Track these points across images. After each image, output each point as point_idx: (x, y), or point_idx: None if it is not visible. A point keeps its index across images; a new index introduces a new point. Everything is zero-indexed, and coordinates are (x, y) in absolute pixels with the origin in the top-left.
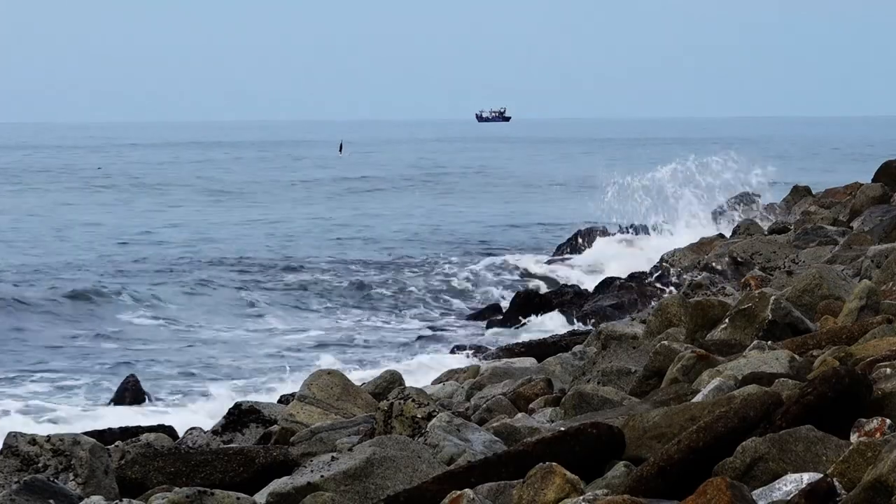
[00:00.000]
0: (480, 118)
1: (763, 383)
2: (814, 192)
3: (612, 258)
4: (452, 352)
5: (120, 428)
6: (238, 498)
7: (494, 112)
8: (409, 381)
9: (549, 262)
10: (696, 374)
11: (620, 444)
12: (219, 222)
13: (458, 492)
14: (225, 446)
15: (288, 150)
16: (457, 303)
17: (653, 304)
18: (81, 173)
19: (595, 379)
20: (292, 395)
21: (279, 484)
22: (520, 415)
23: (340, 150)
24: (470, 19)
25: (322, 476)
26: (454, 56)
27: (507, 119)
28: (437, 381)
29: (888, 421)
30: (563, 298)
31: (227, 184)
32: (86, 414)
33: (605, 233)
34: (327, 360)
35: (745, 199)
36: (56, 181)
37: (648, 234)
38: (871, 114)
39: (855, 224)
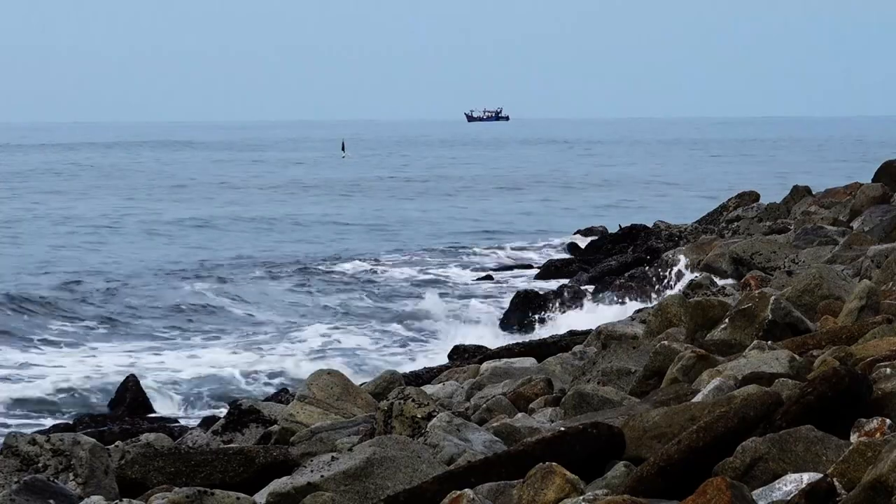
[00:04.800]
0: (471, 118)
1: (763, 383)
2: (813, 192)
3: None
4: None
5: (120, 428)
6: (238, 498)
7: (489, 112)
8: None
9: (548, 262)
10: (696, 374)
11: (620, 444)
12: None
13: (458, 492)
14: (225, 446)
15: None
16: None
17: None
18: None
19: (595, 379)
20: (292, 395)
21: (279, 484)
22: (520, 415)
23: (343, 149)
24: (470, 19)
25: (322, 476)
26: (454, 56)
27: (505, 119)
28: (438, 380)
29: (888, 421)
30: (563, 298)
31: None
32: None
33: (603, 233)
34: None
35: (745, 197)
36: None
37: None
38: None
39: (855, 224)
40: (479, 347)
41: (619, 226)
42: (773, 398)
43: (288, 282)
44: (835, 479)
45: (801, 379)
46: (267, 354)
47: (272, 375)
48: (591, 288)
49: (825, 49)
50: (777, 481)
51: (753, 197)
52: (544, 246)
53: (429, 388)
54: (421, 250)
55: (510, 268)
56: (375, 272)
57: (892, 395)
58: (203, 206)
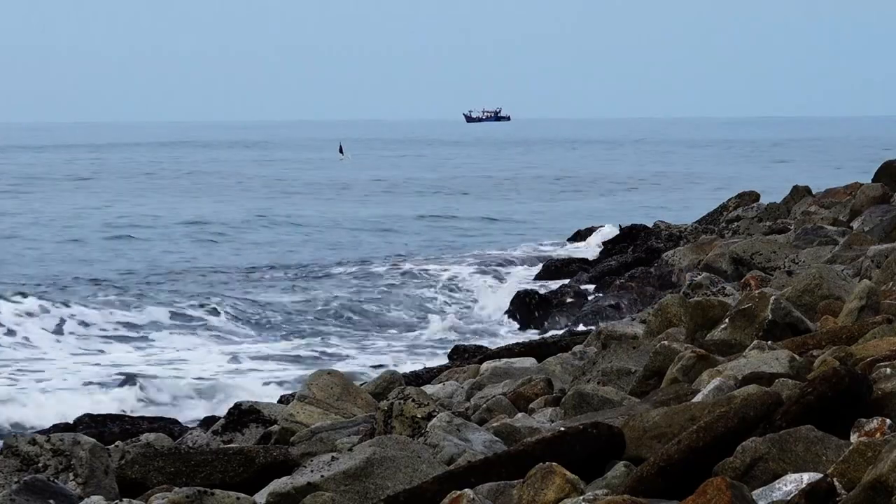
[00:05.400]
0: (470, 119)
1: (763, 383)
2: (814, 192)
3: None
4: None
5: (120, 428)
6: (238, 498)
7: (489, 112)
8: None
9: (547, 262)
10: (696, 374)
11: (620, 444)
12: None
13: (458, 492)
14: (225, 446)
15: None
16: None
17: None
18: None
19: (595, 379)
20: (292, 395)
21: (279, 484)
22: (520, 415)
23: (341, 151)
24: (470, 19)
25: (322, 476)
26: (454, 56)
27: (506, 119)
28: (438, 380)
29: (888, 421)
30: (563, 299)
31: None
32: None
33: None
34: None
35: (745, 197)
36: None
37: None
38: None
39: (855, 224)
40: (479, 347)
41: (620, 226)
42: (773, 398)
43: (292, 283)
44: (835, 479)
45: (801, 379)
46: (264, 354)
47: (271, 376)
48: (591, 287)
49: (827, 49)
50: (777, 481)
51: (753, 197)
52: (548, 246)
53: (429, 388)
54: (423, 251)
55: (511, 267)
56: (377, 274)
57: (892, 395)
58: (230, 204)
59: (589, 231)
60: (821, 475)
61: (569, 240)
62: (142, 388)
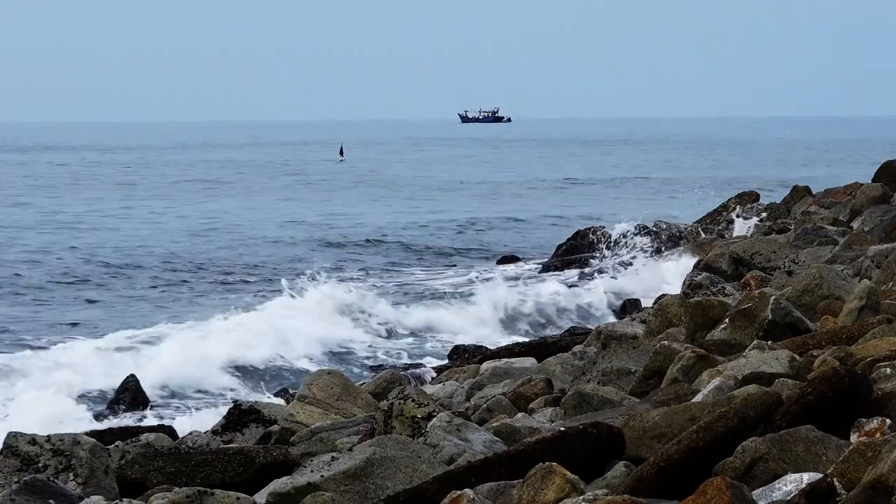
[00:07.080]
0: (465, 119)
1: (763, 383)
2: (814, 192)
3: None
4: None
5: (120, 428)
6: (238, 498)
7: (485, 112)
8: None
9: (547, 263)
10: (696, 374)
11: (620, 444)
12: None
13: (458, 492)
14: (225, 446)
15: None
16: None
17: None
18: None
19: (595, 379)
20: (292, 395)
21: (279, 484)
22: (520, 415)
23: (341, 153)
24: (470, 19)
25: (322, 476)
26: (454, 56)
27: (506, 120)
28: (438, 380)
29: (888, 421)
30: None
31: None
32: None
33: (603, 233)
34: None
35: (745, 197)
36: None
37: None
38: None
39: (855, 224)
40: (479, 347)
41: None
42: (773, 398)
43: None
44: (835, 479)
45: (801, 379)
46: (261, 355)
47: (271, 376)
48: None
49: (828, 49)
50: (777, 481)
51: (753, 197)
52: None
53: (429, 388)
54: (417, 255)
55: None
56: (381, 275)
57: (892, 395)
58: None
59: (589, 230)
60: (821, 475)
61: (568, 240)
62: (141, 387)
